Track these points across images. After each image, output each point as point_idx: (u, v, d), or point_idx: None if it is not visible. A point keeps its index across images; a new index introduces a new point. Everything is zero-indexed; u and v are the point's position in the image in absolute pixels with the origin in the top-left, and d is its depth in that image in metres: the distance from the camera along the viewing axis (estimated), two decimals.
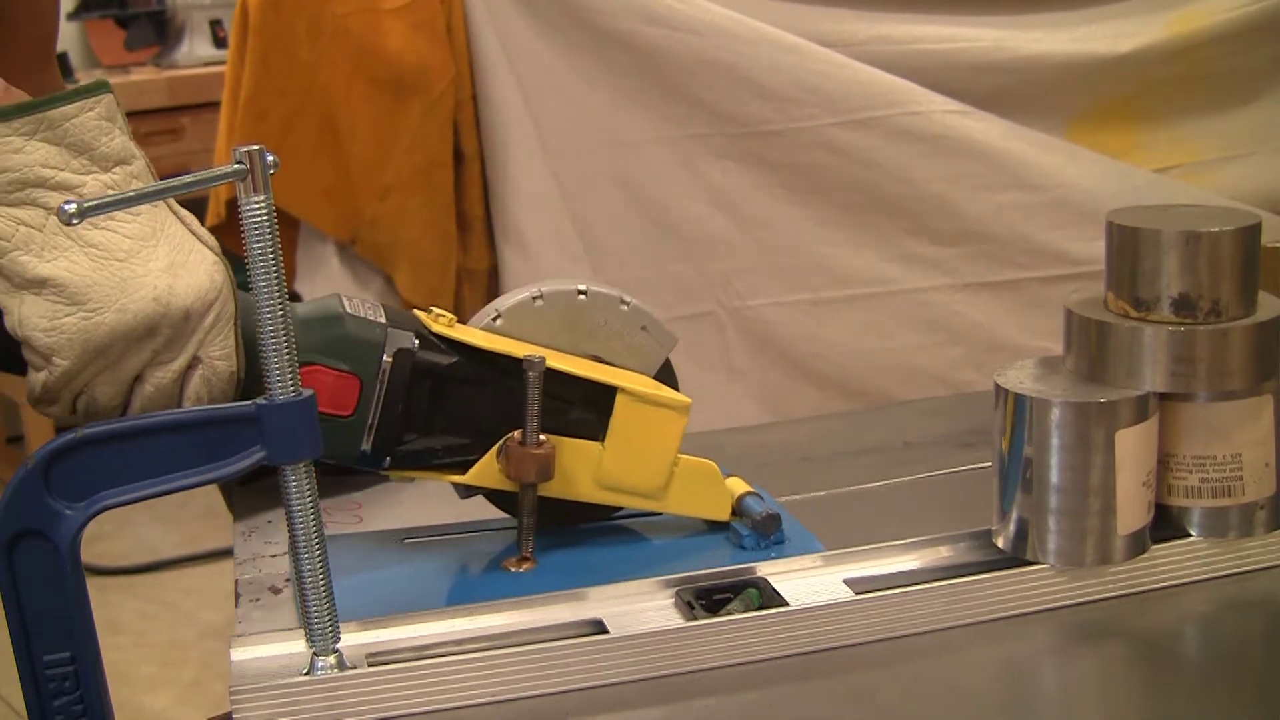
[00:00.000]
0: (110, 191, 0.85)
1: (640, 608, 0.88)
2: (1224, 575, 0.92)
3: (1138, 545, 0.90)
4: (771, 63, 1.70)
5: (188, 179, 0.79)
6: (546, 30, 1.77)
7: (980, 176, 1.69)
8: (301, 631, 0.82)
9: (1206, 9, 1.69)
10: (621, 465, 0.98)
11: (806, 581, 0.90)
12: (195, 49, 3.34)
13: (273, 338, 0.77)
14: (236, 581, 1.00)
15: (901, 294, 1.77)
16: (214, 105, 1.98)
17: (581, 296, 0.99)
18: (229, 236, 2.00)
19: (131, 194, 0.78)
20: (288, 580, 0.98)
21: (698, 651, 0.84)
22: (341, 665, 0.81)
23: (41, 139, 0.83)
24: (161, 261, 0.86)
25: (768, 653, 0.85)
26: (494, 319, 0.98)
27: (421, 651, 0.85)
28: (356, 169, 1.82)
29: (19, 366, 0.87)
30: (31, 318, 0.83)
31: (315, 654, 0.81)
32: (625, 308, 1.00)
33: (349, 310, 0.95)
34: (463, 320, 0.99)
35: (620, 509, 1.03)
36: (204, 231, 0.90)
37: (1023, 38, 1.72)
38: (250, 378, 0.90)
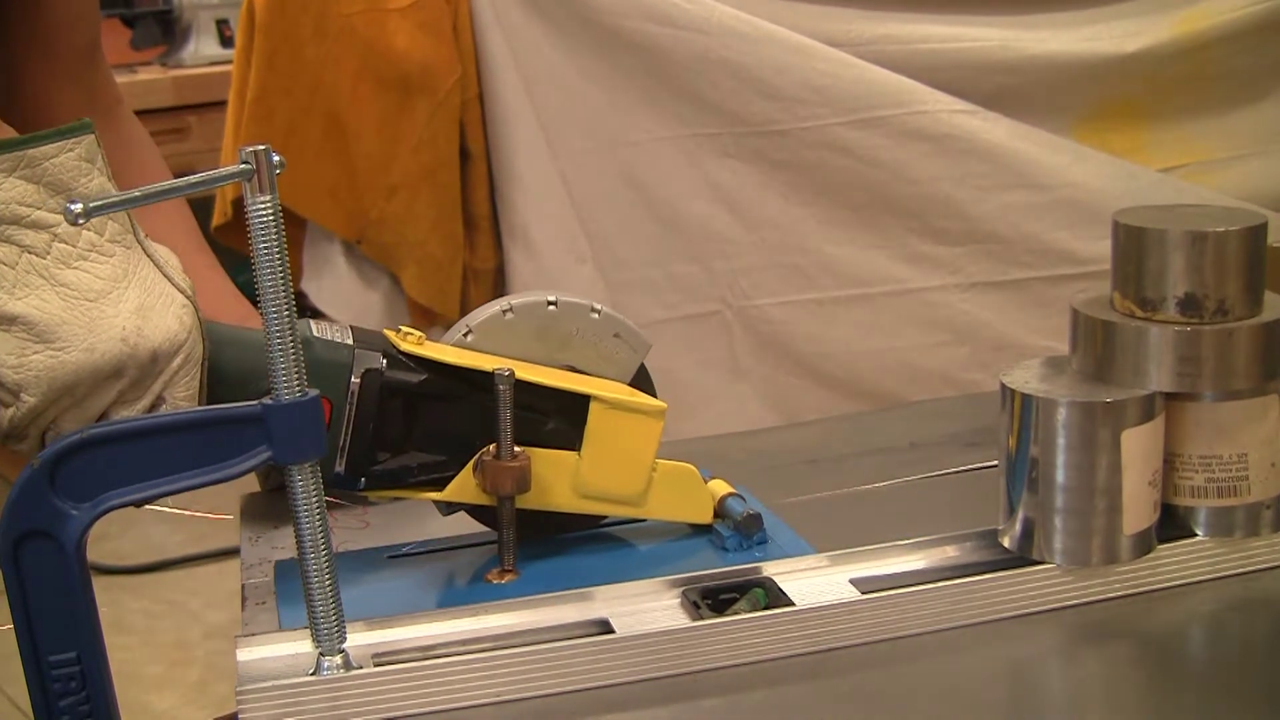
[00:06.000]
0: (87, 233, 0.85)
1: (646, 607, 0.88)
2: (1230, 575, 0.91)
3: (1144, 545, 0.90)
4: (778, 62, 1.70)
5: (194, 179, 0.79)
6: (553, 29, 1.77)
7: (986, 176, 1.69)
8: (307, 632, 0.82)
9: (1213, 8, 1.69)
10: (599, 473, 0.98)
11: (812, 581, 0.90)
12: (201, 48, 3.34)
13: (278, 338, 0.77)
14: (243, 585, 1.00)
15: (907, 294, 1.78)
16: (220, 105, 1.98)
17: (551, 307, 0.98)
18: (235, 236, 2.02)
19: (136, 194, 0.78)
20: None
21: (704, 651, 0.84)
22: (347, 665, 0.81)
23: (20, 176, 0.84)
24: (131, 303, 0.86)
25: (774, 652, 0.85)
26: (465, 334, 0.97)
27: (427, 651, 0.85)
28: (363, 168, 1.82)
29: None
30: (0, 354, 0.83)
31: (321, 654, 0.81)
32: (596, 315, 0.99)
33: (316, 334, 0.95)
34: None
35: (605, 517, 1.02)
36: (177, 273, 0.90)
37: (1029, 37, 1.73)
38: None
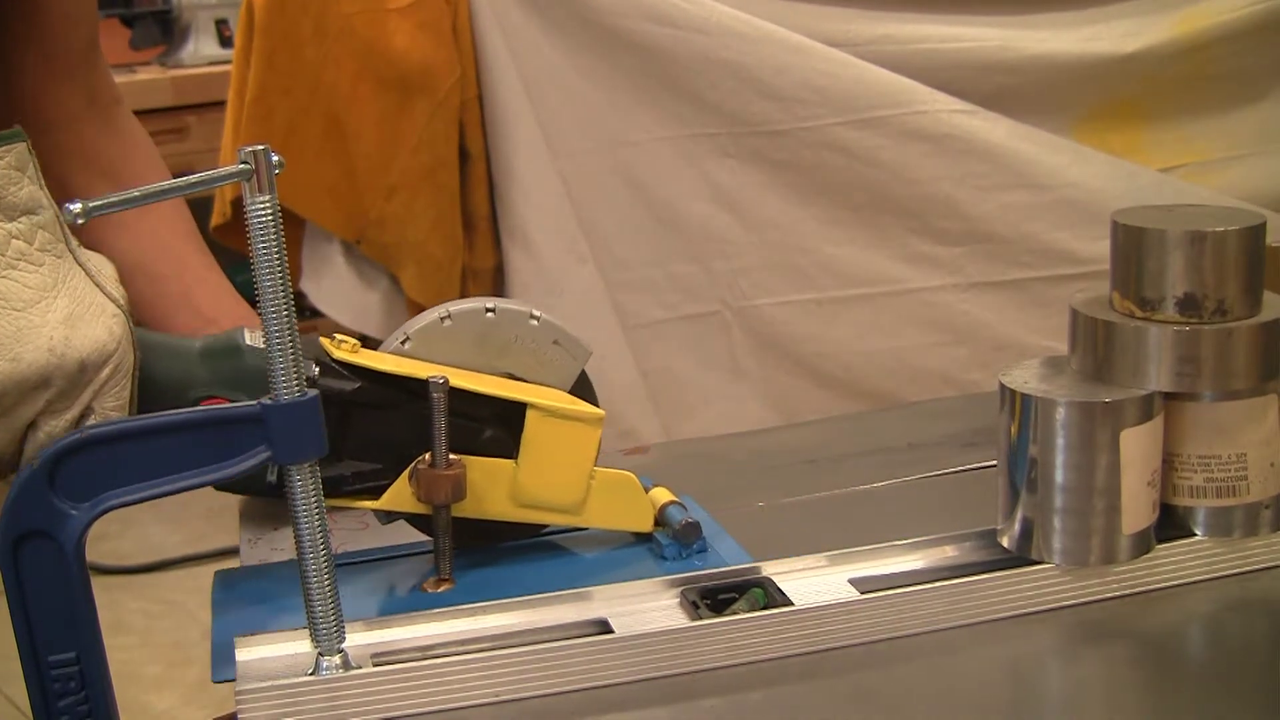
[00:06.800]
0: (16, 242, 0.84)
1: (645, 607, 0.88)
2: (1228, 575, 0.91)
3: (1142, 545, 0.90)
4: (777, 62, 1.70)
5: (193, 179, 0.79)
6: (552, 29, 1.77)
7: (986, 176, 1.69)
8: (306, 632, 0.82)
9: (1212, 9, 1.69)
10: (537, 481, 0.97)
11: (811, 581, 0.90)
12: (201, 48, 3.34)
13: (277, 338, 0.77)
14: None
15: (907, 294, 1.78)
16: (219, 104, 1.99)
17: (490, 314, 0.97)
18: (234, 236, 2.02)
19: (135, 194, 0.78)
20: None
21: (703, 651, 0.84)
22: (346, 665, 0.81)
23: None
24: (60, 313, 0.86)
25: (773, 652, 0.85)
26: (403, 342, 0.96)
27: (426, 651, 0.85)
28: (362, 168, 1.83)
29: None
30: None
31: (320, 654, 0.81)
32: (535, 323, 0.98)
33: (248, 343, 0.95)
34: None
35: (545, 526, 1.01)
36: (110, 283, 0.90)
37: (1029, 37, 1.73)
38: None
